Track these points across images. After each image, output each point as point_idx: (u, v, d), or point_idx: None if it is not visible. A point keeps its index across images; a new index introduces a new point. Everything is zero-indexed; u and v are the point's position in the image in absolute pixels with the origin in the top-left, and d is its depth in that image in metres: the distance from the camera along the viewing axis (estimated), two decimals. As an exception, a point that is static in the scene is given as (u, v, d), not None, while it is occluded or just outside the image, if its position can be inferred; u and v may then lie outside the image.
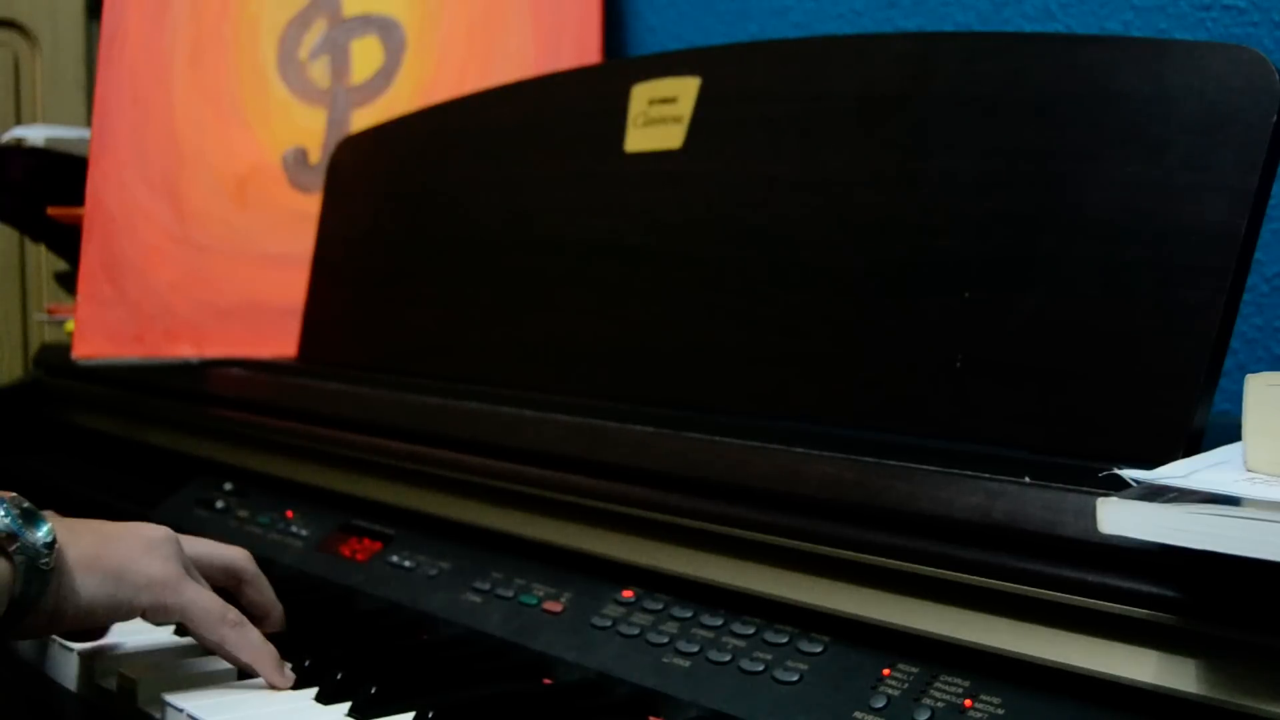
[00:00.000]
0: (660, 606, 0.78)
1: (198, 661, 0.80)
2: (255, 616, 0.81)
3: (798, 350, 0.84)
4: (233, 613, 0.76)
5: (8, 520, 0.70)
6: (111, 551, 0.74)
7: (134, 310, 1.35)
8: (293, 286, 1.39)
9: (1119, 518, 0.52)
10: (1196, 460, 0.59)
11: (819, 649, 0.70)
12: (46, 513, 0.73)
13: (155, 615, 0.75)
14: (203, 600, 0.76)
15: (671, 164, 0.97)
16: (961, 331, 0.76)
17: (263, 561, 1.03)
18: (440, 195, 1.21)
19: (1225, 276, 0.66)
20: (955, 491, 0.64)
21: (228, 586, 0.82)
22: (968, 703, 0.63)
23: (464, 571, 0.90)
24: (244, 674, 0.78)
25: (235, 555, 0.83)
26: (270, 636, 0.79)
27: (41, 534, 0.71)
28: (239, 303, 1.41)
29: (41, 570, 0.70)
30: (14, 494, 0.72)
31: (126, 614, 0.74)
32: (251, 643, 0.76)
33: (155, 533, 0.77)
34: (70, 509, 1.18)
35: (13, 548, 0.69)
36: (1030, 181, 0.76)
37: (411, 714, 0.71)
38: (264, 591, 0.83)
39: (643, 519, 0.79)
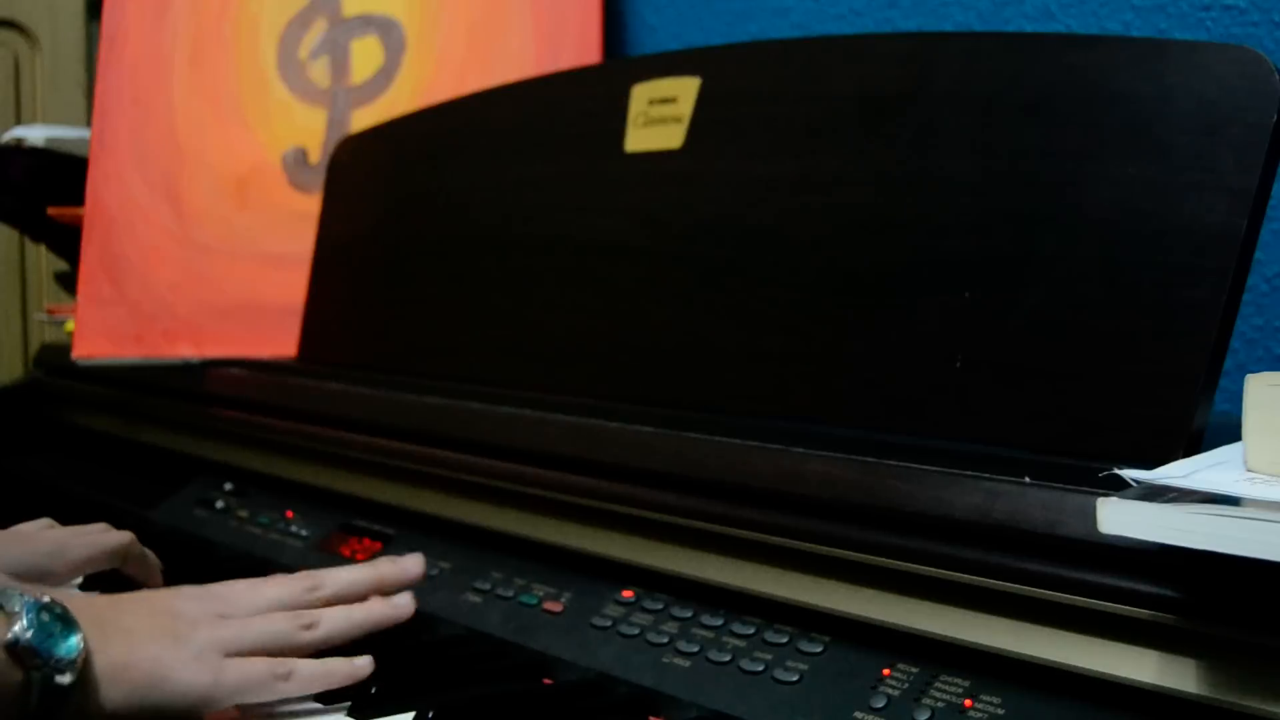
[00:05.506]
0: (660, 606, 0.78)
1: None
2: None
3: (798, 350, 0.84)
4: (280, 666, 0.72)
5: (31, 633, 0.64)
6: (142, 658, 0.68)
7: (134, 310, 1.35)
8: (293, 286, 1.39)
9: (1119, 518, 0.52)
10: (1196, 460, 0.59)
11: (819, 649, 0.70)
12: (80, 608, 0.68)
13: (196, 715, 0.70)
14: (247, 677, 0.71)
15: (671, 164, 0.97)
16: (961, 331, 0.76)
17: (263, 562, 1.04)
18: (440, 195, 1.21)
19: (1225, 276, 0.66)
20: (955, 491, 0.64)
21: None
22: (968, 703, 0.63)
23: (464, 571, 0.90)
24: None
25: (288, 595, 0.78)
26: None
27: (67, 646, 0.65)
28: (239, 303, 1.41)
29: (59, 686, 0.64)
30: (49, 598, 0.67)
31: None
32: (310, 676, 0.73)
33: (192, 623, 0.72)
34: (70, 509, 1.18)
35: (33, 662, 0.64)
36: (1030, 181, 0.76)
37: (411, 714, 0.71)
38: (349, 589, 0.79)
39: (643, 519, 0.79)
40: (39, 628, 0.65)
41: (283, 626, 0.75)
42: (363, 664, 0.74)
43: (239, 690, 0.71)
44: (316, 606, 0.79)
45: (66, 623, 0.66)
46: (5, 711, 0.64)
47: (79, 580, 1.00)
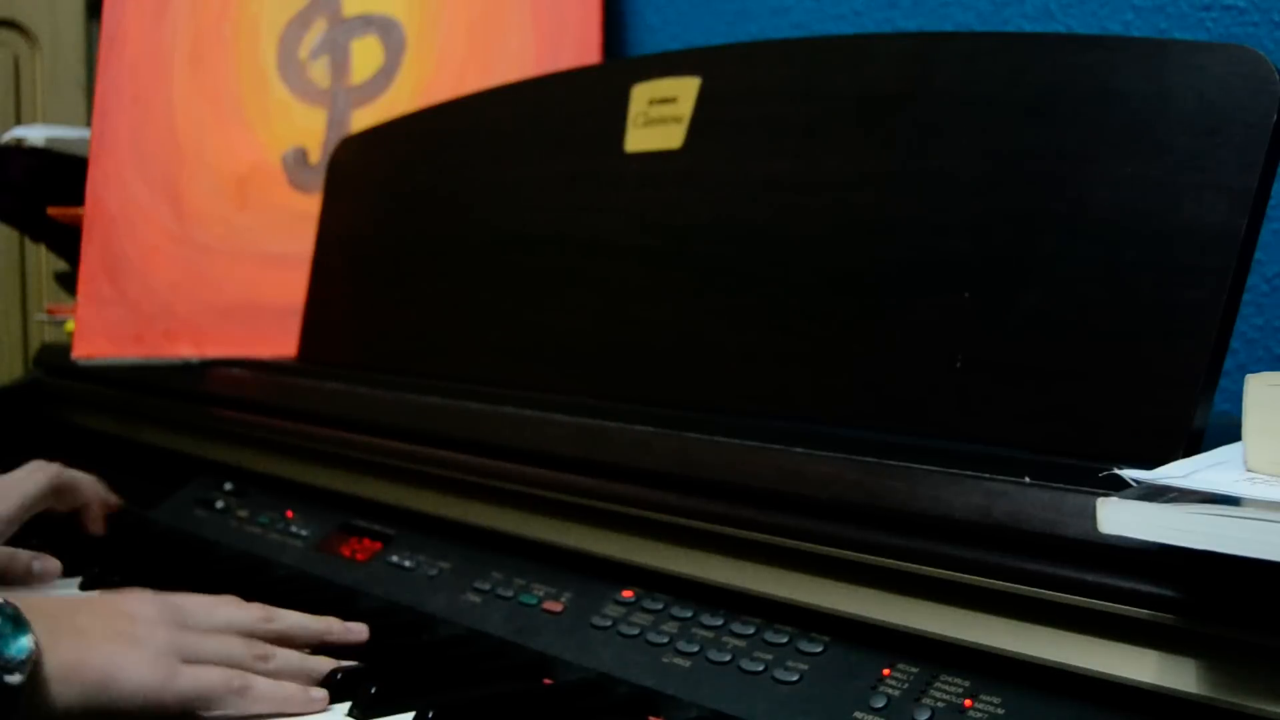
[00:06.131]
0: (660, 606, 0.78)
1: None
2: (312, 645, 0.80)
3: (798, 350, 0.84)
4: (237, 679, 0.72)
5: None
6: (94, 657, 0.69)
7: (134, 310, 1.35)
8: (293, 286, 1.39)
9: (1119, 518, 0.52)
10: (1196, 460, 0.59)
11: (819, 649, 0.70)
12: (32, 610, 0.68)
13: (148, 716, 0.70)
14: (200, 685, 0.71)
15: (671, 164, 0.97)
16: (961, 331, 0.76)
17: (263, 562, 1.04)
18: (440, 195, 1.21)
19: (1225, 276, 0.66)
20: (955, 491, 0.64)
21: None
22: (968, 703, 0.63)
23: (464, 571, 0.90)
24: None
25: (246, 622, 0.79)
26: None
27: (17, 647, 0.65)
28: (239, 303, 1.41)
29: (10, 686, 0.64)
30: (2, 599, 0.67)
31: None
32: (266, 696, 0.73)
33: (147, 624, 0.72)
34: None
35: None
36: (1030, 181, 0.76)
37: (411, 714, 0.71)
38: (296, 635, 0.80)
39: (643, 519, 0.79)
40: None
41: (239, 650, 0.75)
42: (320, 697, 0.74)
43: (191, 696, 0.71)
44: (269, 638, 0.79)
45: (17, 623, 0.66)
46: None
47: (79, 580, 1.00)
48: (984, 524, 0.62)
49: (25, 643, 0.66)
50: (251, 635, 0.78)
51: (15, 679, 0.65)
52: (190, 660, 0.73)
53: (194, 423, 1.23)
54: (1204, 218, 0.68)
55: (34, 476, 1.00)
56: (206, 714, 0.72)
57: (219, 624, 0.77)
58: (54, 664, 0.67)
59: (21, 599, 0.69)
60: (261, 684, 0.73)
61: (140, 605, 0.75)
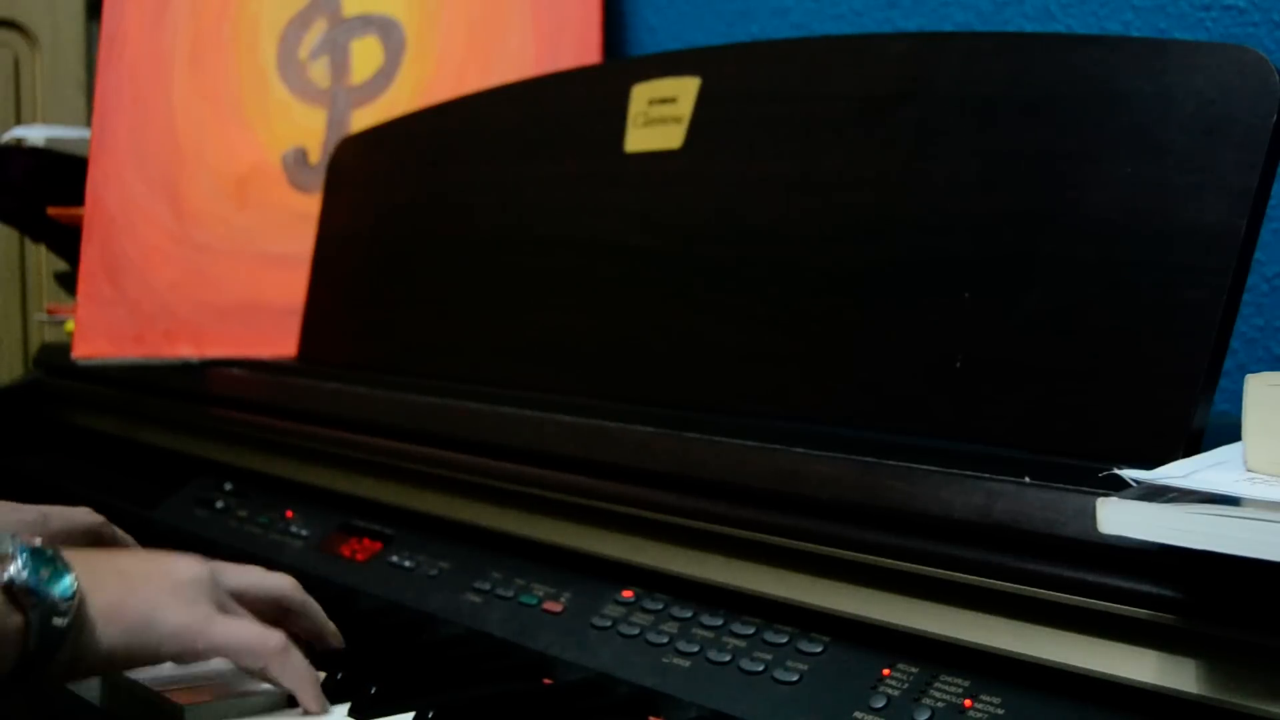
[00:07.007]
0: (660, 606, 0.78)
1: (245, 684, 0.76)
2: (309, 641, 0.80)
3: (798, 350, 0.84)
4: (273, 639, 0.72)
5: (26, 573, 0.65)
6: (135, 599, 0.69)
7: (134, 310, 1.35)
8: (293, 286, 1.39)
9: (1119, 518, 0.52)
10: (1196, 460, 0.59)
11: (819, 649, 0.70)
12: (72, 555, 0.69)
13: (183, 660, 0.72)
14: (236, 637, 0.72)
15: (671, 164, 0.97)
16: (961, 331, 0.76)
17: (262, 561, 1.04)
18: (440, 195, 1.21)
19: (1225, 276, 0.66)
20: (955, 491, 0.64)
21: (275, 616, 0.79)
22: (968, 703, 0.63)
23: (464, 571, 0.90)
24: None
25: (280, 585, 0.80)
26: None
27: (61, 587, 0.66)
28: (239, 303, 1.41)
29: (57, 628, 0.65)
30: (39, 541, 0.68)
31: (151, 662, 0.71)
32: (292, 668, 0.72)
33: (186, 571, 0.73)
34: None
35: (29, 602, 0.65)
36: (1030, 181, 0.76)
37: (411, 714, 0.71)
38: (314, 617, 0.81)
39: (643, 519, 0.79)
40: (33, 569, 0.65)
41: (254, 634, 0.74)
42: (325, 705, 0.73)
43: (225, 643, 0.71)
44: (297, 606, 0.80)
45: (59, 564, 0.67)
46: (5, 655, 0.64)
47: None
48: (984, 524, 0.62)
49: (69, 581, 0.67)
50: (283, 599, 0.79)
51: (63, 621, 0.65)
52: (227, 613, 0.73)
53: (194, 423, 1.23)
54: (1204, 218, 0.68)
55: (84, 514, 1.01)
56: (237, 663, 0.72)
57: (251, 584, 0.78)
58: (98, 605, 0.68)
59: (59, 549, 0.69)
60: (299, 655, 0.73)
61: (177, 556, 0.76)
